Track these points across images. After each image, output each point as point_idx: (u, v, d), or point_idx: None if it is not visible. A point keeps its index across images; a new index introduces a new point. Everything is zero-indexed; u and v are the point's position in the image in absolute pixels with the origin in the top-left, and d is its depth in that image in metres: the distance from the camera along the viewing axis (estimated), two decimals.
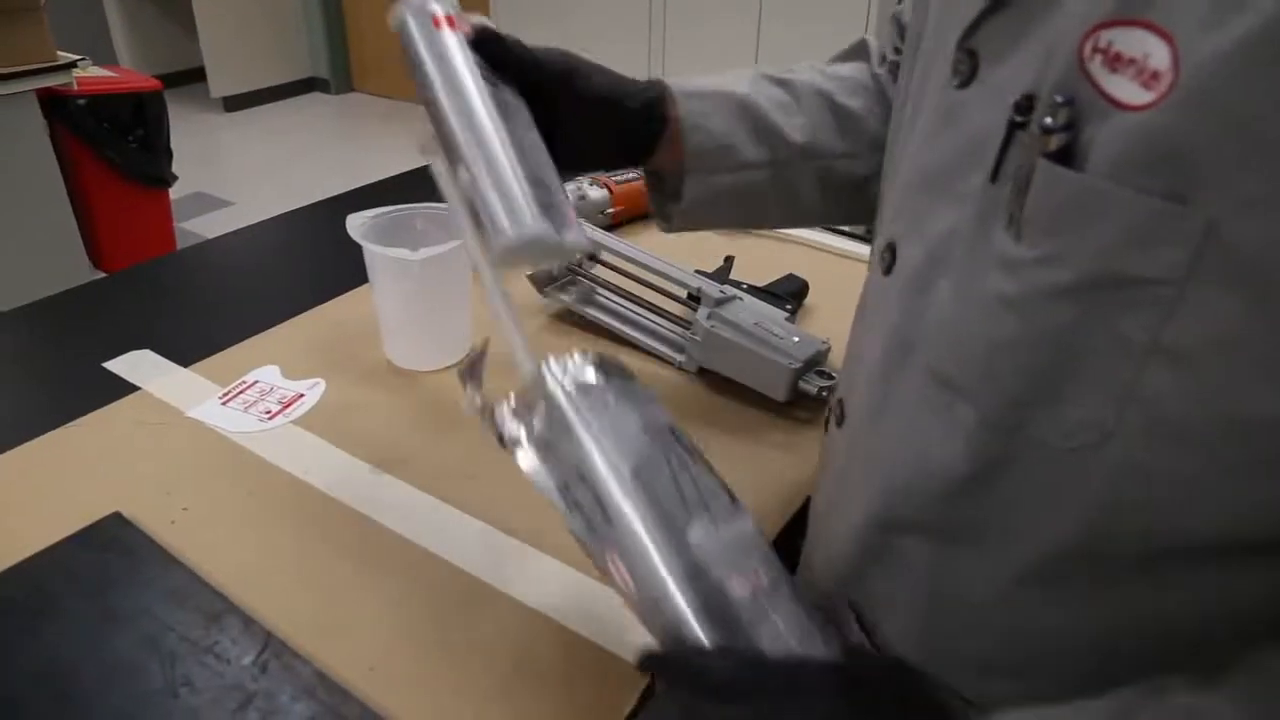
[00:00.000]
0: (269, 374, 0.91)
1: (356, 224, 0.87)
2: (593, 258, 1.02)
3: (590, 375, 0.52)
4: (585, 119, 0.63)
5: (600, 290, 1.01)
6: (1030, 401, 0.40)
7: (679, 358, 0.93)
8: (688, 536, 0.46)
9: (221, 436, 0.82)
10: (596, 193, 1.22)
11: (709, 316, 0.89)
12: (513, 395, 0.52)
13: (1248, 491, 0.36)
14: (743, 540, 0.47)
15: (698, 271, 0.97)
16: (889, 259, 0.49)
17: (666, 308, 0.97)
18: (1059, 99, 0.35)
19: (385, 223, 0.90)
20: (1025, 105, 0.37)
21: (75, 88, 2.55)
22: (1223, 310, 0.33)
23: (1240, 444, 0.35)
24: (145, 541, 0.69)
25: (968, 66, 0.42)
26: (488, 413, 0.52)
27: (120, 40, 5.00)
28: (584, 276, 1.01)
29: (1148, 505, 0.38)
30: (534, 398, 0.51)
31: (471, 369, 0.55)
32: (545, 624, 0.63)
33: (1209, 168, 0.32)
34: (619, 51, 3.63)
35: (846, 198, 0.72)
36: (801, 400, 0.88)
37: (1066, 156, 0.36)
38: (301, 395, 0.87)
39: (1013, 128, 0.38)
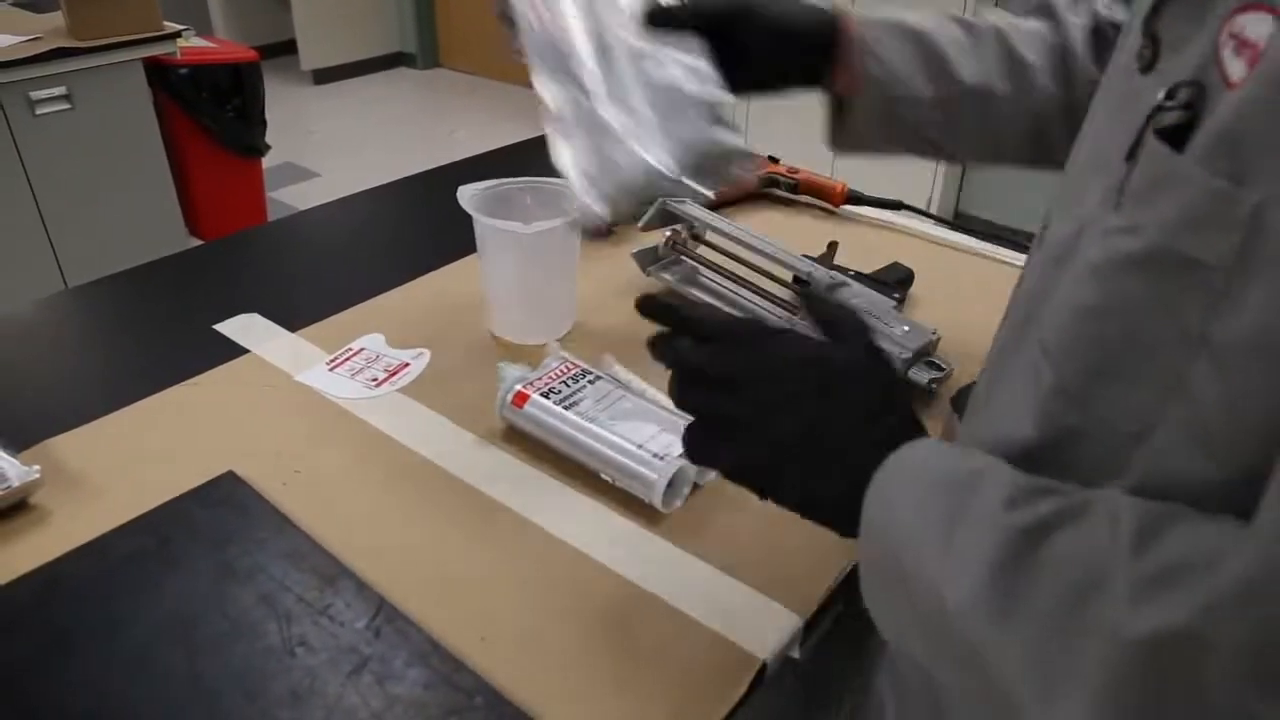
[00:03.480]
0: (374, 342, 0.92)
1: (467, 195, 0.87)
2: (697, 238, 1.00)
3: None
4: (759, 48, 0.71)
5: (705, 271, 0.99)
6: (1099, 374, 0.40)
7: None
8: None
9: (329, 402, 0.83)
10: None
11: None
12: None
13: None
14: None
15: (803, 256, 0.95)
16: (1042, 235, 0.49)
17: (771, 291, 0.95)
18: (1186, 79, 0.36)
19: (494, 195, 0.90)
20: (1171, 92, 0.37)
21: (179, 57, 2.61)
22: (1262, 310, 0.33)
23: (1261, 456, 0.33)
24: (258, 501, 0.71)
25: (1150, 52, 0.41)
26: None
27: (216, 12, 5.12)
28: (689, 257, 1.00)
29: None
30: None
31: None
32: (657, 605, 0.63)
33: (1263, 145, 0.32)
34: None
35: (1011, 143, 0.75)
36: (911, 390, 0.85)
37: (1180, 136, 0.36)
38: (407, 364, 0.88)
39: (1155, 111, 0.38)
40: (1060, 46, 0.72)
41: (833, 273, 0.91)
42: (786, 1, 0.72)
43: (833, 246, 1.07)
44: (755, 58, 0.72)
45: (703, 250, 1.00)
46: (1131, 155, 0.39)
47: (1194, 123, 0.36)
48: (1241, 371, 0.34)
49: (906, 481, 0.46)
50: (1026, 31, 0.72)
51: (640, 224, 0.99)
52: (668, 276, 0.98)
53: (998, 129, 0.73)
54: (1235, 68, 0.34)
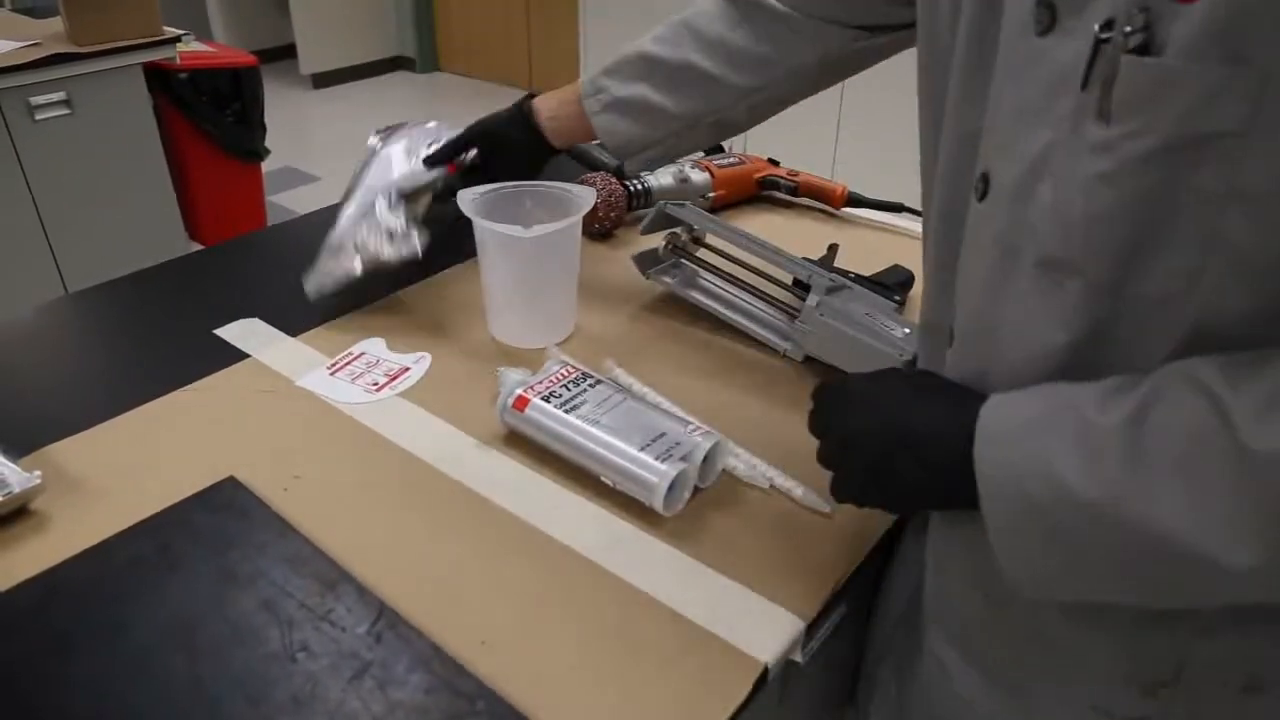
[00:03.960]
0: (375, 346, 0.92)
1: (468, 199, 0.87)
2: (698, 240, 1.00)
3: None
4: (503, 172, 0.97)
5: (705, 274, 0.99)
6: (1128, 259, 0.46)
7: (784, 345, 0.91)
8: None
9: (330, 406, 0.83)
10: (698, 176, 1.20)
11: (819, 305, 0.87)
12: None
13: None
14: None
15: (804, 259, 0.95)
16: (983, 187, 0.55)
17: (771, 293, 0.95)
18: (1136, 9, 0.42)
19: (494, 199, 0.90)
20: (1107, 25, 0.44)
21: (178, 62, 2.61)
22: None
23: None
24: (260, 506, 0.70)
25: (1048, 17, 0.48)
26: None
27: (216, 17, 5.13)
28: (689, 259, 1.00)
29: (1221, 343, 0.45)
30: None
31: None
32: (659, 609, 0.63)
33: (1259, 30, 0.39)
34: None
35: (738, 126, 0.94)
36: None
37: (1143, 52, 0.43)
38: (408, 369, 0.88)
39: (1098, 44, 0.44)
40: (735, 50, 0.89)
41: (833, 275, 0.91)
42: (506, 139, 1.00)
43: (833, 249, 1.07)
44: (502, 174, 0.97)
45: (702, 253, 1.00)
46: (1085, 85, 0.46)
47: (1149, 39, 0.43)
48: (1275, 209, 0.41)
49: (1004, 442, 0.50)
50: (710, 42, 0.89)
51: (641, 228, 0.99)
52: (668, 280, 0.98)
53: (725, 125, 0.93)
54: None
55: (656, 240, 1.00)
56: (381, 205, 0.93)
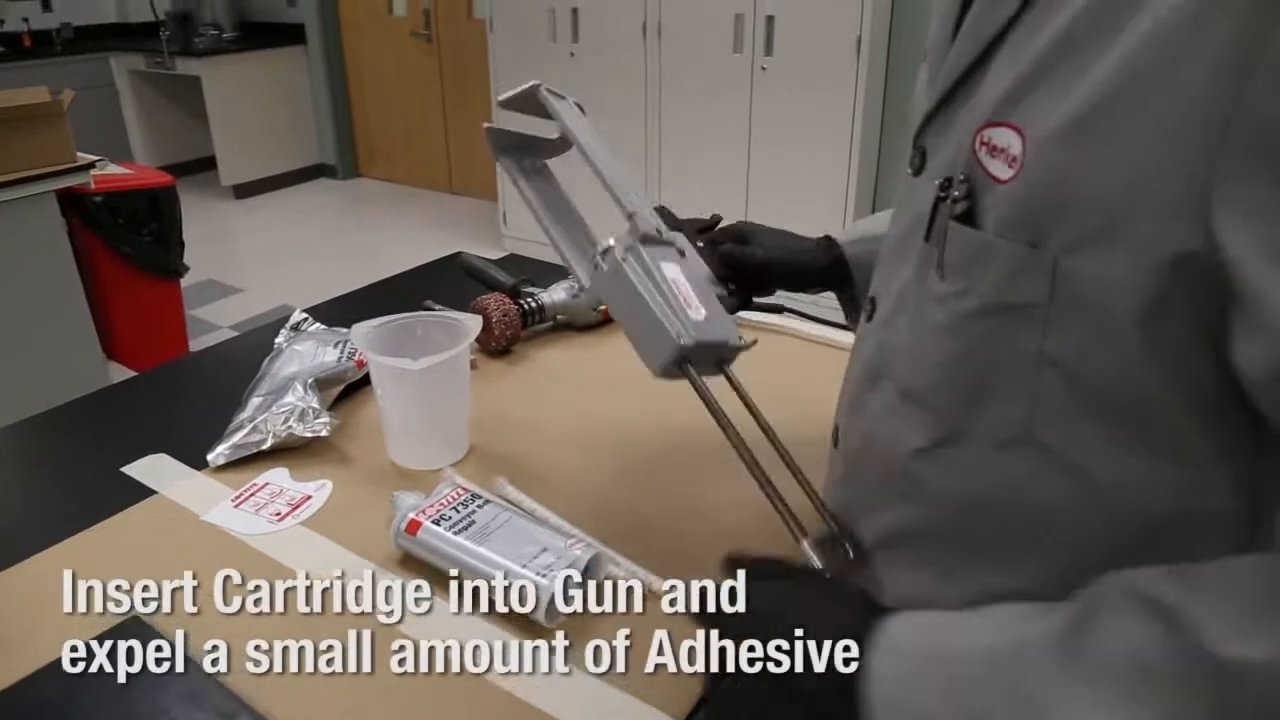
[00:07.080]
0: (278, 476, 0.96)
1: (361, 333, 0.93)
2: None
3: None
4: (778, 283, 0.90)
5: (554, 180, 0.89)
6: (971, 403, 0.53)
7: (585, 284, 0.76)
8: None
9: (235, 539, 0.87)
10: None
11: (627, 249, 0.71)
12: None
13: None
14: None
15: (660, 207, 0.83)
16: (870, 308, 0.63)
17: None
18: (961, 178, 0.50)
19: (388, 331, 0.96)
20: (945, 185, 0.52)
21: (92, 186, 2.64)
22: (1076, 326, 0.47)
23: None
24: (163, 644, 0.73)
25: (919, 159, 0.56)
26: None
27: (135, 132, 5.17)
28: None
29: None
30: None
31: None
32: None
33: (1047, 220, 0.46)
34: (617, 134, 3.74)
35: None
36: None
37: (970, 218, 0.50)
38: (309, 496, 0.92)
39: (937, 201, 0.52)
40: None
41: (664, 229, 0.78)
42: (795, 250, 0.88)
43: (715, 219, 0.97)
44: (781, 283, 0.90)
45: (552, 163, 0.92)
46: (929, 237, 0.53)
47: (974, 206, 0.50)
48: (1077, 370, 0.47)
49: (910, 671, 0.48)
50: None
51: (502, 99, 0.87)
52: (519, 178, 0.87)
53: None
54: (996, 167, 0.48)
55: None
56: (298, 389, 1.03)
